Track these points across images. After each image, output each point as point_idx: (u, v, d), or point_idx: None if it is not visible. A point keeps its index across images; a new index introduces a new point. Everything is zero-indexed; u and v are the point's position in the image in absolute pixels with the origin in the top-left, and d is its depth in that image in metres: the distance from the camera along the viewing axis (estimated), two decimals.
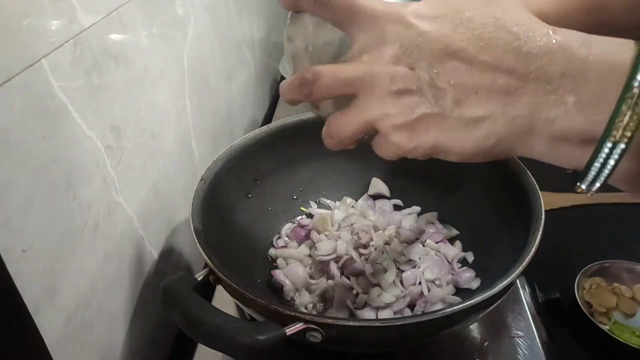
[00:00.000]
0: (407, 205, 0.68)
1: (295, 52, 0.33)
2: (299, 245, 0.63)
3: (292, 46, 0.33)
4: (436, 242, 0.61)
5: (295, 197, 0.68)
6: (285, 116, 0.66)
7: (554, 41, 0.27)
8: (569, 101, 0.26)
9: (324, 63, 0.31)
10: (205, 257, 0.45)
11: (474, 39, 0.28)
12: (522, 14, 0.28)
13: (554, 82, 0.26)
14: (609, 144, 0.25)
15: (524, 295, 0.57)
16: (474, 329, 0.54)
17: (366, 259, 0.59)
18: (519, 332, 0.53)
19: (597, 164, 0.26)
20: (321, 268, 0.59)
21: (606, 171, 0.26)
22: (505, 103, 0.28)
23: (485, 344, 0.52)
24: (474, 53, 0.28)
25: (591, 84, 0.26)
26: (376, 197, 0.69)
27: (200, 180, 0.54)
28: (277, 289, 0.58)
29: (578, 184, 0.28)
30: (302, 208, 0.68)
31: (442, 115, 0.29)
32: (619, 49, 0.26)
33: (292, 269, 0.59)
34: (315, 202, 0.69)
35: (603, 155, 0.26)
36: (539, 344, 0.52)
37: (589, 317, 0.63)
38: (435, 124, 0.29)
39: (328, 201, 0.69)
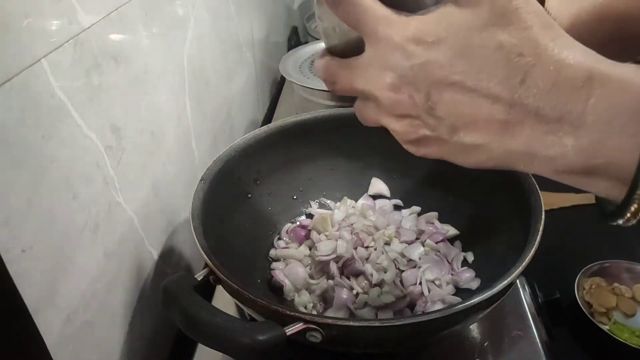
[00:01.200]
0: (407, 205, 0.68)
1: (326, 30, 0.34)
2: (299, 245, 0.63)
3: (322, 25, 0.34)
4: (436, 242, 0.61)
5: (295, 197, 0.68)
6: (285, 116, 0.66)
7: (554, 79, 0.26)
8: (568, 144, 0.26)
9: (351, 44, 0.32)
10: (205, 257, 0.45)
11: (472, 72, 0.27)
12: (532, 34, 0.26)
13: (552, 124, 0.26)
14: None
15: (524, 295, 0.57)
16: (474, 329, 0.54)
17: (366, 259, 0.59)
18: (519, 332, 0.53)
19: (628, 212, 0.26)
20: (321, 268, 0.59)
21: None
22: (503, 136, 0.28)
23: (485, 344, 0.52)
24: (472, 86, 0.27)
25: (591, 129, 0.25)
26: (376, 197, 0.69)
27: (200, 180, 0.54)
28: (277, 289, 0.58)
29: (612, 222, 0.28)
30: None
31: (442, 139, 0.30)
32: (623, 91, 0.25)
33: (292, 269, 0.59)
34: (316, 202, 0.69)
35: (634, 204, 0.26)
36: (539, 344, 0.52)
37: (589, 317, 0.63)
38: (436, 144, 0.30)
39: (328, 201, 0.69)
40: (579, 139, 0.26)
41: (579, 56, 0.26)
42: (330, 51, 0.34)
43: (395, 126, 0.31)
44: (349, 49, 0.32)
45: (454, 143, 0.29)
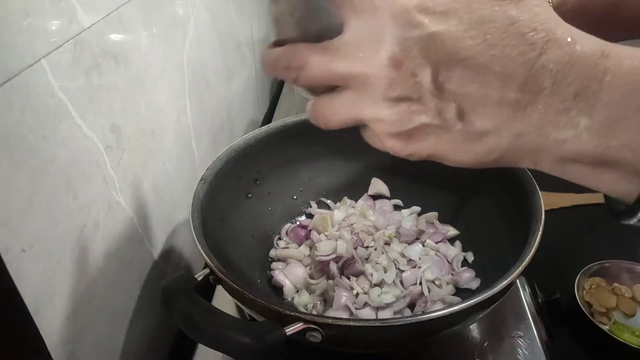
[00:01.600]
0: (407, 205, 0.68)
1: (279, 16, 0.29)
2: (299, 245, 0.63)
3: (276, 9, 0.29)
4: (436, 242, 0.61)
5: (295, 197, 0.68)
6: (285, 116, 0.66)
7: (571, 53, 0.24)
8: (581, 124, 0.25)
9: (311, 33, 0.27)
10: (205, 257, 0.45)
11: (485, 46, 0.24)
12: (542, 12, 0.25)
13: (567, 102, 0.25)
14: None
15: (524, 295, 0.57)
16: (474, 329, 0.54)
17: (366, 259, 0.59)
18: (519, 332, 0.53)
19: None
20: (321, 268, 0.59)
21: None
22: (514, 119, 0.26)
23: (485, 344, 0.52)
24: (484, 62, 0.25)
25: (607, 107, 0.24)
26: (376, 197, 0.69)
27: (200, 180, 0.54)
28: (277, 289, 0.58)
29: (623, 221, 0.27)
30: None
31: (444, 127, 0.27)
32: (639, 69, 0.24)
33: (292, 269, 0.59)
34: (315, 202, 0.69)
35: None
36: (539, 344, 0.52)
37: (589, 317, 0.63)
38: (434, 134, 0.27)
39: (328, 201, 0.69)
40: (593, 117, 0.24)
41: (587, 36, 0.25)
42: (279, 45, 0.28)
43: (386, 114, 0.27)
44: (307, 42, 0.27)
45: (457, 132, 0.27)
